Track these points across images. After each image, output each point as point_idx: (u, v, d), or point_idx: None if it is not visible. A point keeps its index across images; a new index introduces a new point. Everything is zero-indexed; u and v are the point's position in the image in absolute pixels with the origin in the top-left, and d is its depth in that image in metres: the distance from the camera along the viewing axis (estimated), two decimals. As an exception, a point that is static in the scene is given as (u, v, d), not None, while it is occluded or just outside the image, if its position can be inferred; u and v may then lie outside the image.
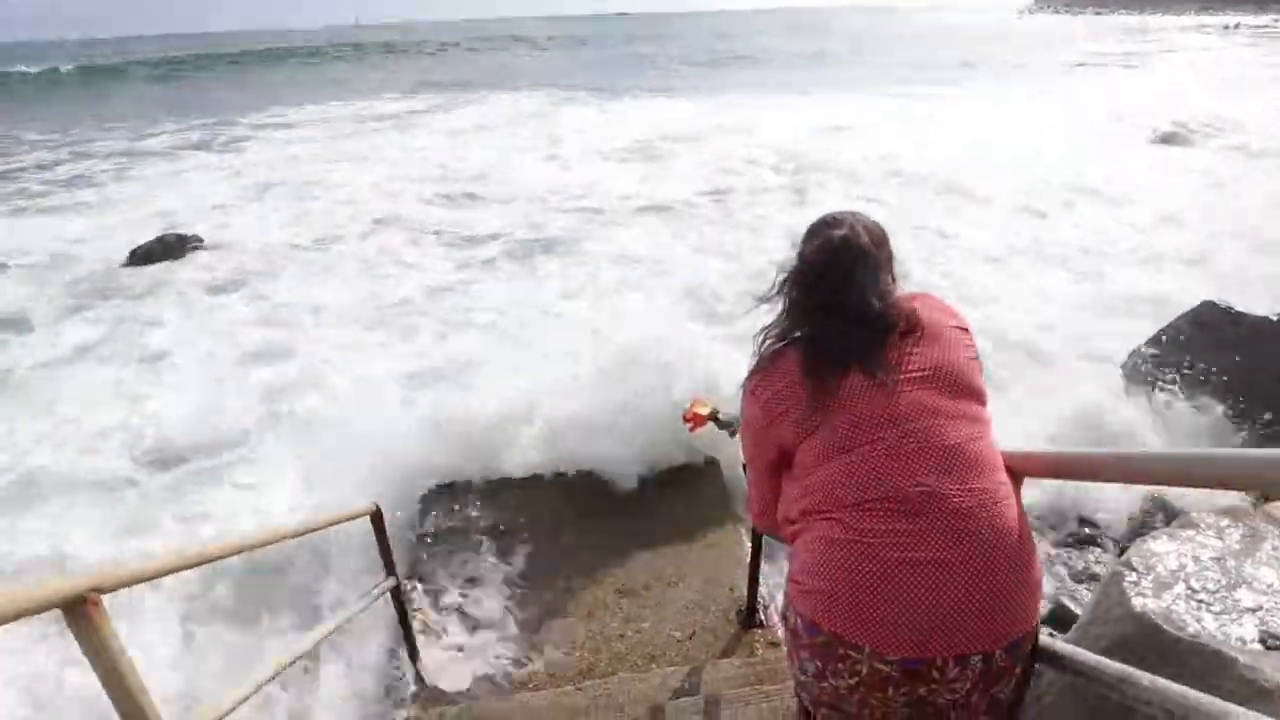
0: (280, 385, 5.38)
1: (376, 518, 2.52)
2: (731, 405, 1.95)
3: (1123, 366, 4.28)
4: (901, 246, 1.38)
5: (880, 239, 1.32)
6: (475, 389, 4.47)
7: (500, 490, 3.81)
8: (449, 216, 9.86)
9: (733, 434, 2.03)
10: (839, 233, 1.28)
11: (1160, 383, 3.97)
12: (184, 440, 4.70)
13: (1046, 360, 4.97)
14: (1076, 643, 2.11)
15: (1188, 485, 1.29)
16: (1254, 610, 1.84)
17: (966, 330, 1.33)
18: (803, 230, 1.38)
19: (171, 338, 6.39)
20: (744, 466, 1.80)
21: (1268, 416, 3.64)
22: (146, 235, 8.87)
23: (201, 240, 9.02)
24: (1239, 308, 3.80)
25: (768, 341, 1.34)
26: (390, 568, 2.61)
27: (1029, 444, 1.50)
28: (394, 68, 36.64)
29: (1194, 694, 1.03)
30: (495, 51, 51.41)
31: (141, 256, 8.51)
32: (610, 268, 7.61)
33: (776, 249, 7.37)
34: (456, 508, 3.68)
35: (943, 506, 1.13)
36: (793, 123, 14.84)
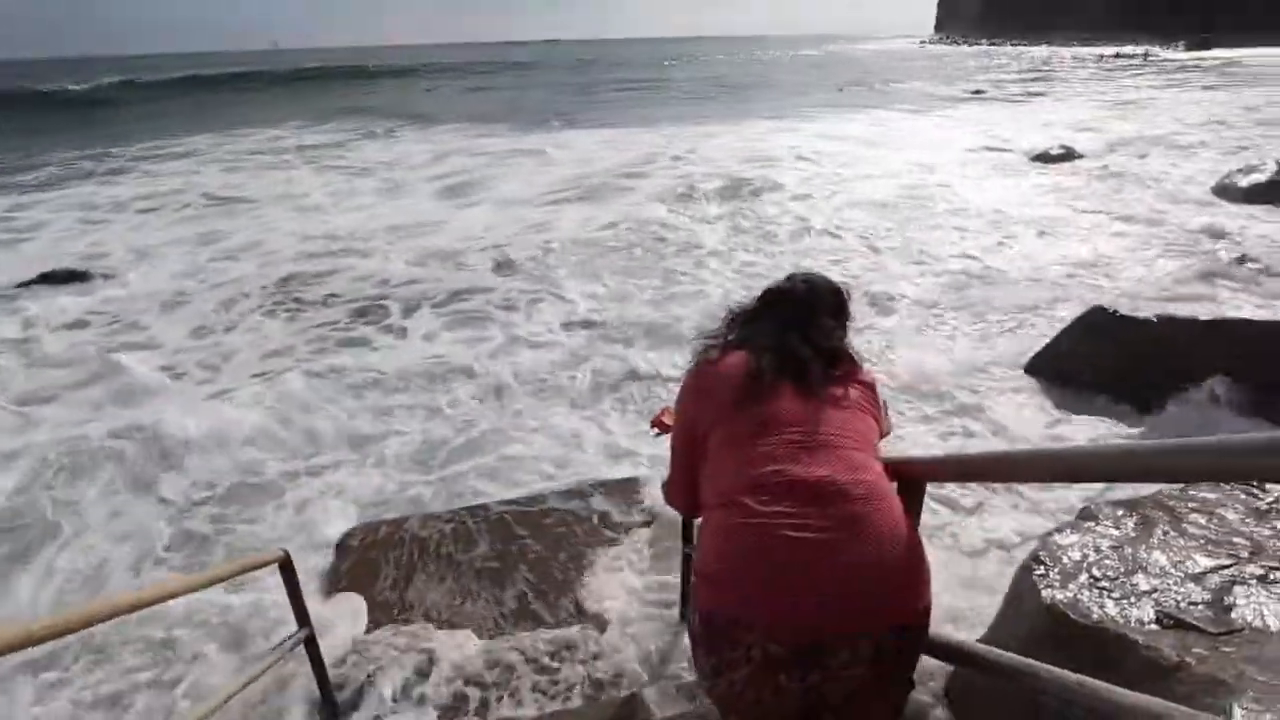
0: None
1: (286, 565, 2.38)
2: None
3: (1025, 368, 4.52)
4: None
5: (840, 296, 1.56)
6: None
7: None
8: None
9: None
10: (804, 276, 1.55)
11: (1059, 383, 4.22)
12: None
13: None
14: (993, 638, 2.20)
15: (1104, 480, 1.38)
16: (1149, 593, 1.94)
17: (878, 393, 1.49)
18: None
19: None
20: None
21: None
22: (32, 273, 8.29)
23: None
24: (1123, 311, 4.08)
25: (713, 344, 1.50)
26: (303, 617, 2.47)
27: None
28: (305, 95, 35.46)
29: (1090, 681, 1.07)
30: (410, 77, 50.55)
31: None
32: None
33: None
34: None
35: (836, 494, 1.19)
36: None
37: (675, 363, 5.18)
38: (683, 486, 1.50)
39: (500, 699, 2.67)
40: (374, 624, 3.10)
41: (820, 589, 1.13)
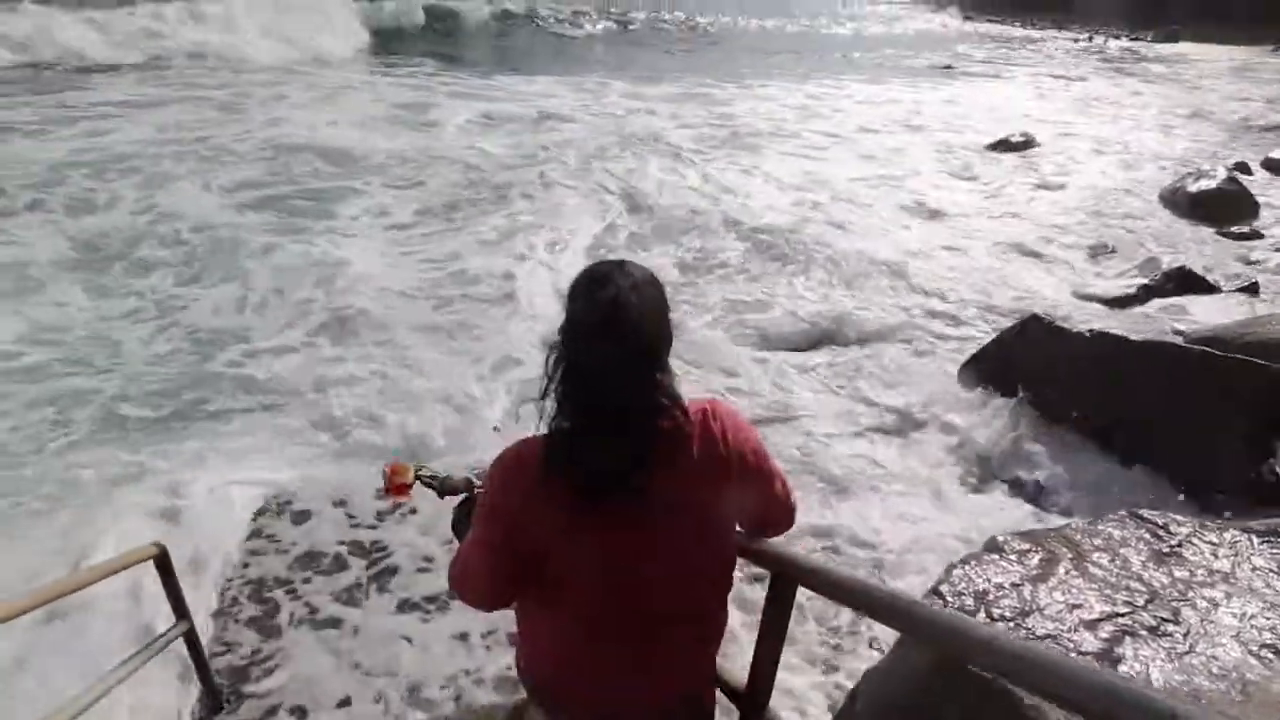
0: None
1: (162, 560, 2.23)
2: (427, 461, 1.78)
3: (958, 374, 4.54)
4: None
5: (657, 305, 1.16)
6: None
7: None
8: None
9: (443, 495, 1.75)
10: (606, 295, 1.10)
11: (989, 389, 4.25)
12: None
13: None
14: (882, 676, 2.19)
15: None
16: (1043, 639, 1.94)
17: (743, 450, 1.22)
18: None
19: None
20: (454, 526, 1.73)
21: (1075, 414, 3.93)
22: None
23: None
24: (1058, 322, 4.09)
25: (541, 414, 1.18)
26: (181, 610, 2.33)
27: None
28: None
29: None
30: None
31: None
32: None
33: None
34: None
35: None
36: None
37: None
38: (483, 584, 1.36)
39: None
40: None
41: None
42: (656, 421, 1.13)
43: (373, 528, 3.38)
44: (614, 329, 1.09)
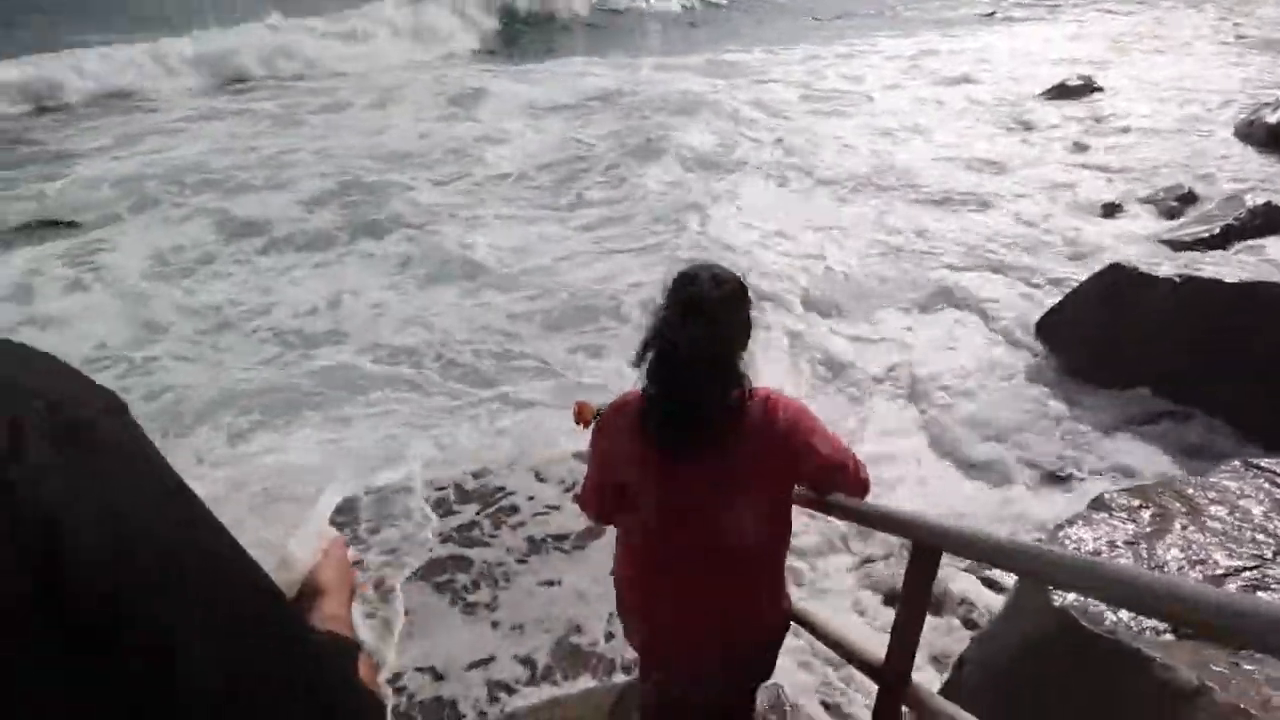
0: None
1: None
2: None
3: (1037, 331, 4.35)
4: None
5: (735, 303, 1.36)
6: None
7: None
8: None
9: None
10: (690, 291, 1.33)
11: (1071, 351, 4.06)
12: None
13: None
14: (990, 642, 2.12)
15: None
16: (1166, 597, 1.85)
17: (798, 435, 1.40)
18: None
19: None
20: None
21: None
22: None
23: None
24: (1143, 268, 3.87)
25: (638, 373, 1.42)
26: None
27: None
28: None
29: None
30: None
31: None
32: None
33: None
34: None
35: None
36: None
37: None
38: (593, 500, 1.62)
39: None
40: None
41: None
42: (722, 398, 1.34)
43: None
44: (692, 320, 1.31)
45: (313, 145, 9.51)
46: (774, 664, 1.64)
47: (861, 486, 1.51)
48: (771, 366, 4.49)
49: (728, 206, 7.33)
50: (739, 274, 1.42)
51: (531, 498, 3.52)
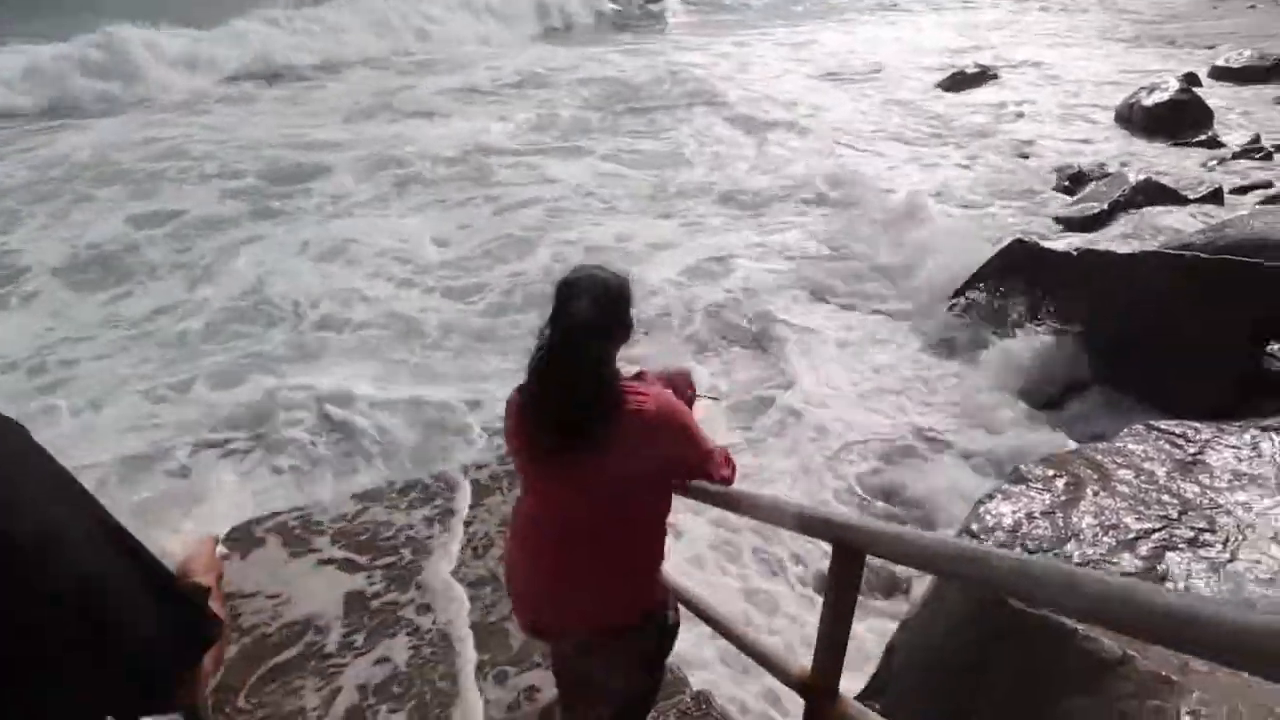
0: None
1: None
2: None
3: (950, 308, 4.44)
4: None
5: (611, 304, 1.37)
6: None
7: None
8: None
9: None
10: (567, 292, 1.36)
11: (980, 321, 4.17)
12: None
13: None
14: (917, 626, 2.09)
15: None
16: (1083, 565, 1.85)
17: (669, 429, 1.42)
18: None
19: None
20: None
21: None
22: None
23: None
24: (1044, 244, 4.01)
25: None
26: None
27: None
28: None
29: None
30: None
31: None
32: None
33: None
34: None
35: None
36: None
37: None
38: None
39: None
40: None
41: None
42: (592, 391, 1.35)
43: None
44: (565, 317, 1.35)
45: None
46: (666, 650, 1.61)
47: (728, 479, 1.57)
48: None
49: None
50: (622, 276, 1.44)
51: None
